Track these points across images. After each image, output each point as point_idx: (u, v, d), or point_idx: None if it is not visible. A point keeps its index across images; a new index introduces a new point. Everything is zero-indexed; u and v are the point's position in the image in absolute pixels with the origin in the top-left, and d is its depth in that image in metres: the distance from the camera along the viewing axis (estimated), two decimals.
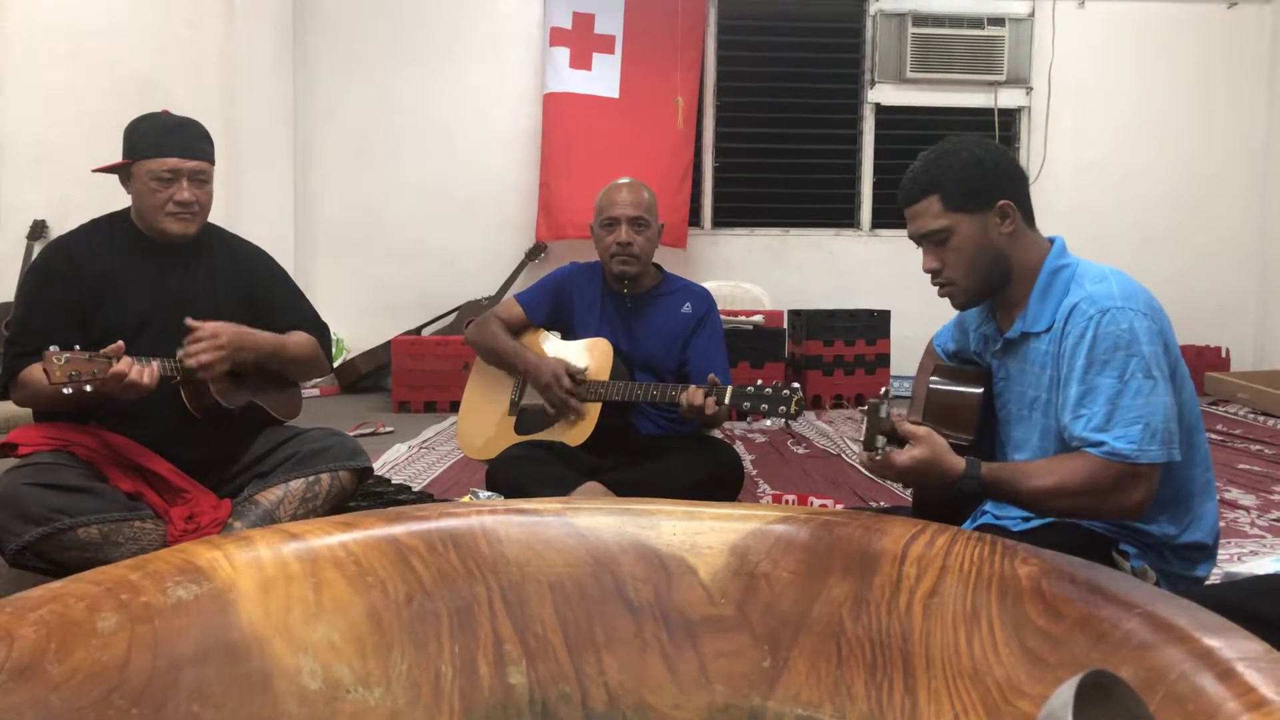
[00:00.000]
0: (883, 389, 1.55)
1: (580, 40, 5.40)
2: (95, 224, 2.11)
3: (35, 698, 0.85)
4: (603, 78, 5.41)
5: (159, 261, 2.09)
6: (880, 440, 1.44)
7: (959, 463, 1.46)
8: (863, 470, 3.36)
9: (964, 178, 1.52)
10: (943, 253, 1.55)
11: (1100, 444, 1.41)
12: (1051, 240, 1.58)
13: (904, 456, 1.44)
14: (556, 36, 5.40)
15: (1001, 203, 1.52)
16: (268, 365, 2.17)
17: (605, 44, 5.42)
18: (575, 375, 2.39)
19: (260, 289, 2.23)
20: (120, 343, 1.84)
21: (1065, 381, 1.47)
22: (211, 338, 1.99)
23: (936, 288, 1.60)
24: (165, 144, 2.00)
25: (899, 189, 1.60)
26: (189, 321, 2.00)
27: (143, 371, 1.86)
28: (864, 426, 1.46)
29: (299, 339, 2.23)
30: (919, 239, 1.58)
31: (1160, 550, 1.51)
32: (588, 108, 5.38)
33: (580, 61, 5.39)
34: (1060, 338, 1.48)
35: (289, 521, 1.73)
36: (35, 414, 2.09)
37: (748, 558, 1.21)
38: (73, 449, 1.96)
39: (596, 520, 1.26)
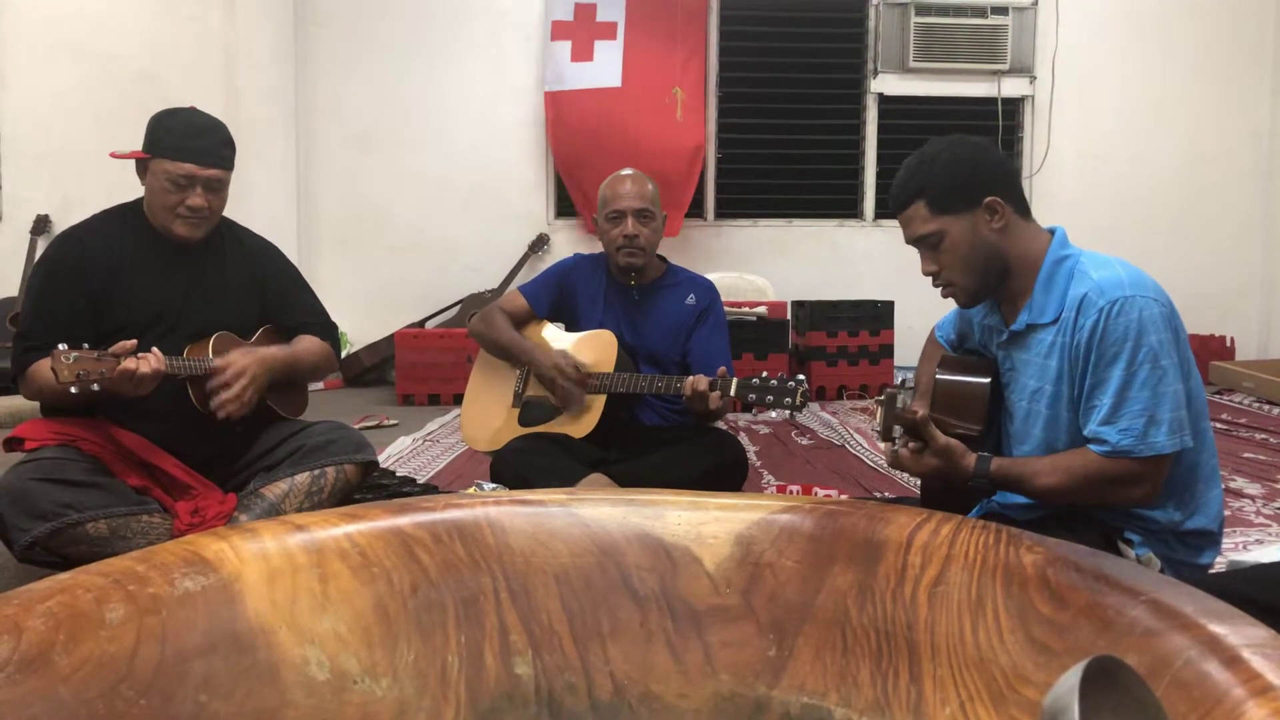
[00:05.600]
0: (900, 379, 1.57)
1: (582, 30, 5.38)
2: (107, 215, 2.10)
3: (44, 689, 0.86)
4: (605, 65, 5.36)
5: (170, 256, 2.08)
6: (897, 430, 1.47)
7: (970, 463, 1.50)
8: (868, 462, 3.37)
9: (947, 180, 1.52)
10: (938, 255, 1.56)
11: (1102, 440, 1.44)
12: (1052, 231, 1.58)
13: (922, 466, 1.52)
14: (558, 30, 5.38)
15: (988, 199, 1.52)
16: (283, 380, 2.18)
17: (607, 30, 5.39)
18: (578, 365, 2.39)
19: (271, 286, 2.22)
20: (133, 340, 1.83)
21: (1081, 376, 1.48)
22: (237, 378, 1.99)
23: (939, 289, 1.61)
24: (186, 147, 1.98)
25: (889, 197, 1.61)
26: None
27: (143, 361, 1.85)
28: (880, 417, 1.49)
29: (310, 347, 2.22)
30: (913, 244, 1.60)
31: (1165, 537, 1.51)
32: (590, 101, 5.35)
33: (582, 53, 5.37)
34: (1071, 330, 1.48)
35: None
36: (42, 408, 2.09)
37: (752, 547, 1.21)
38: (79, 444, 1.96)
39: (601, 511, 1.27)
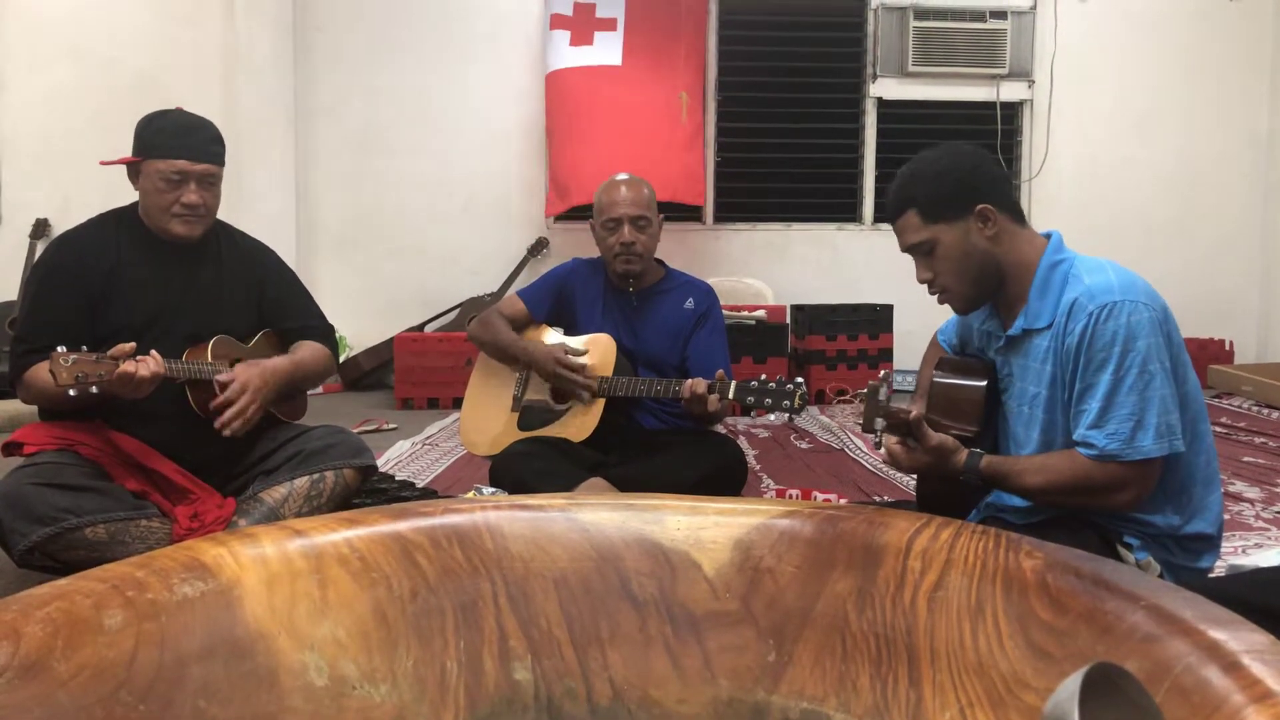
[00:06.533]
0: (882, 372, 1.58)
1: (581, 25, 5.35)
2: (103, 220, 2.10)
3: (42, 695, 0.86)
4: (605, 46, 5.27)
5: (166, 259, 2.08)
6: (879, 423, 1.50)
7: (962, 458, 1.52)
8: (867, 466, 3.37)
9: (937, 188, 1.54)
10: (932, 262, 1.58)
11: (1089, 444, 1.45)
12: (1048, 235, 1.58)
13: (914, 461, 1.53)
14: (557, 22, 5.35)
15: (980, 207, 1.53)
16: (286, 390, 2.17)
17: (607, 25, 5.35)
18: (574, 353, 2.39)
19: (268, 289, 2.22)
20: (131, 344, 1.83)
21: (1071, 381, 1.48)
22: (240, 393, 1.98)
23: (935, 296, 1.62)
24: (176, 145, 1.99)
25: (884, 206, 1.63)
26: (218, 380, 1.99)
27: (142, 364, 1.84)
28: (863, 409, 1.52)
29: (311, 354, 2.22)
30: (907, 252, 1.62)
31: (1164, 541, 1.51)
32: (590, 78, 5.23)
33: (581, 39, 5.30)
34: (1062, 335, 1.49)
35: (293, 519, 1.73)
36: (40, 412, 2.09)
37: (752, 552, 1.21)
38: (78, 448, 1.96)
39: (600, 515, 1.27)
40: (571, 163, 5.13)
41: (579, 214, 5.50)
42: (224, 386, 1.99)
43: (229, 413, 1.98)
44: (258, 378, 2.02)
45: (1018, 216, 1.57)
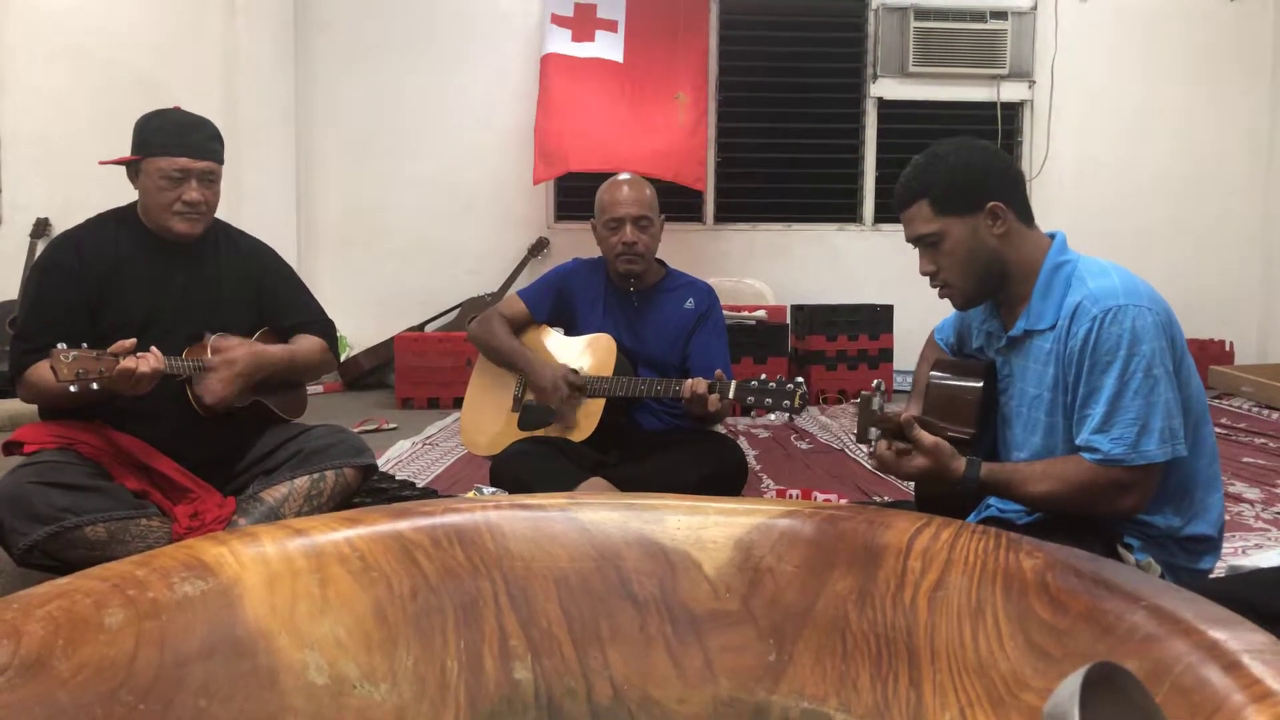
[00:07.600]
0: (875, 382, 1.57)
1: (582, 24, 5.34)
2: (102, 219, 2.11)
3: (43, 694, 0.86)
4: (606, 44, 5.25)
5: (165, 258, 2.08)
6: (873, 432, 1.49)
7: (960, 466, 1.50)
8: (868, 466, 3.37)
9: (952, 181, 1.53)
10: (937, 255, 1.57)
11: (1094, 449, 1.44)
12: (1052, 236, 1.58)
13: (910, 467, 1.51)
14: (557, 20, 5.33)
15: (992, 204, 1.52)
16: (279, 378, 2.18)
17: (608, 25, 5.34)
18: (573, 384, 2.38)
19: (267, 286, 2.23)
20: (132, 340, 1.84)
21: (1074, 384, 1.48)
22: (227, 367, 2.00)
23: (936, 289, 1.61)
24: (176, 143, 1.99)
25: (893, 194, 1.61)
26: (205, 342, 2.01)
27: (142, 360, 1.85)
28: (857, 419, 1.51)
29: (308, 345, 2.23)
30: (913, 243, 1.60)
31: (1164, 543, 1.51)
32: (590, 65, 5.19)
33: (582, 35, 5.28)
34: (1065, 338, 1.49)
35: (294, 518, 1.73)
36: (41, 412, 2.09)
37: (752, 552, 1.21)
38: (78, 447, 1.96)
39: (601, 515, 1.27)
40: (559, 131, 5.04)
41: (579, 214, 5.51)
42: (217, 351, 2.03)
43: (215, 379, 2.00)
44: (245, 355, 2.05)
45: (1026, 216, 1.57)
